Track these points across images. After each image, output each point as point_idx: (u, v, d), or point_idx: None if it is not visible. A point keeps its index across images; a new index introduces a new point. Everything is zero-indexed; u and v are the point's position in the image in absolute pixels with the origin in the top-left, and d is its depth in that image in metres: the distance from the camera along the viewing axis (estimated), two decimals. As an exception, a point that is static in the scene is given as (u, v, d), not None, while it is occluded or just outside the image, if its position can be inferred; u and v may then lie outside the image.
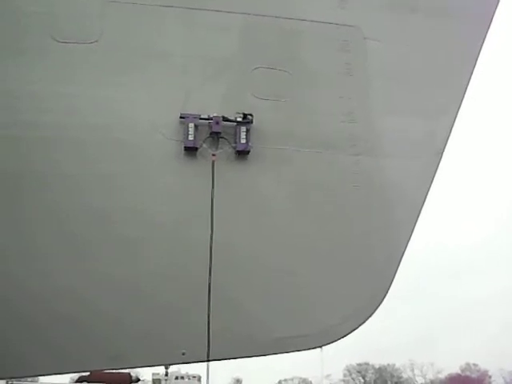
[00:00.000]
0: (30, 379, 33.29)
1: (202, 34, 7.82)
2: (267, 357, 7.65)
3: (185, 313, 7.29)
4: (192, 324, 7.25)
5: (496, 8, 8.47)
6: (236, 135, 7.59)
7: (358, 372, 73.92)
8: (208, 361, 7.28)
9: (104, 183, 7.38)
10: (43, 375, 7.13)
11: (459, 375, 68.33)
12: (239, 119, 7.55)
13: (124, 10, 7.68)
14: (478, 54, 8.37)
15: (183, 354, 7.30)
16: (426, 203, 7.98)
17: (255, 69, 7.86)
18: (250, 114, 7.59)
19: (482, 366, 68.65)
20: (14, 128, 7.30)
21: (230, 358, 7.50)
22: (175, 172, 7.56)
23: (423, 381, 71.34)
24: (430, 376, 70.62)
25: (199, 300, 7.16)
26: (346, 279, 7.71)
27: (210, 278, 7.19)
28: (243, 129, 7.57)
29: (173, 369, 38.92)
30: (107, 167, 7.43)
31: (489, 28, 8.41)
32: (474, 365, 69.98)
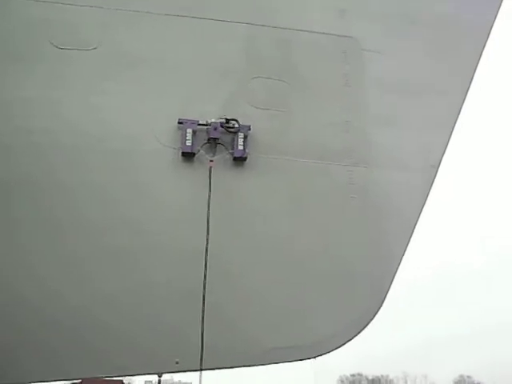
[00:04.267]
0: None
1: (201, 42, 7.87)
2: (261, 367, 7.57)
3: (179, 321, 7.25)
4: (186, 333, 7.20)
5: (494, 20, 8.53)
6: (234, 142, 7.61)
7: (352, 383, 73.79)
8: (201, 370, 7.20)
9: (100, 191, 7.36)
10: (34, 382, 7.04)
11: (452, 387, 68.31)
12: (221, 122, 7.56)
13: (125, 17, 7.70)
14: (476, 65, 8.42)
15: (176, 362, 7.24)
16: (421, 216, 7.97)
17: (254, 78, 7.90)
18: (235, 120, 7.61)
19: (476, 378, 68.72)
20: (7, 135, 7.26)
21: (223, 368, 7.42)
22: (172, 178, 7.55)
23: (416, 393, 71.26)
24: (424, 388, 70.57)
25: (193, 309, 7.12)
26: (340, 290, 7.69)
27: (204, 287, 7.15)
28: (241, 135, 7.59)
29: (166, 377, 38.80)
30: (104, 175, 7.41)
31: (487, 40, 8.47)
32: (468, 377, 70.05)
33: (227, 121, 7.57)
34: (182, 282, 7.31)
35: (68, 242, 7.26)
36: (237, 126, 7.61)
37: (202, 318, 7.10)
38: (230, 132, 7.61)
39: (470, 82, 8.38)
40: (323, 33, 8.12)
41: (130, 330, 7.20)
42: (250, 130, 7.64)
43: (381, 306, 7.79)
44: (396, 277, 7.86)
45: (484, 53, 8.42)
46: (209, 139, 7.60)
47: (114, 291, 7.23)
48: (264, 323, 7.47)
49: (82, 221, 7.30)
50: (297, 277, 7.61)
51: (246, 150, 7.61)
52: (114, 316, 7.19)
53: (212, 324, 7.11)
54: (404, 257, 7.90)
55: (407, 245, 7.92)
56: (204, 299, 7.12)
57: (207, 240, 7.28)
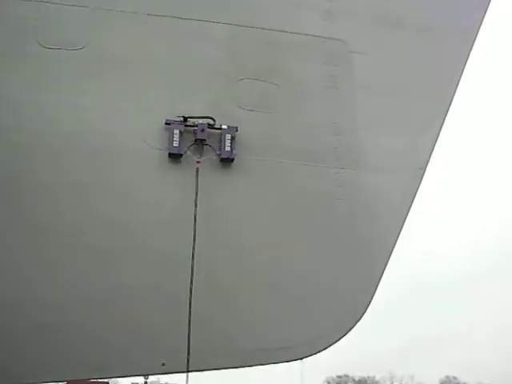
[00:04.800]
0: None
1: (188, 43, 7.82)
2: (247, 369, 7.56)
3: (165, 323, 7.22)
4: (172, 335, 7.18)
5: (481, 23, 8.56)
6: (221, 143, 7.57)
7: (338, 384, 73.95)
8: (188, 372, 7.18)
9: (85, 192, 7.29)
10: (19, 384, 6.98)
11: (438, 388, 68.63)
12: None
13: (111, 17, 7.64)
14: (464, 68, 8.45)
15: (163, 364, 7.21)
16: (408, 217, 7.99)
17: (241, 80, 7.87)
18: (211, 117, 7.58)
19: (462, 379, 69.10)
20: None
21: (209, 370, 7.41)
22: (159, 179, 7.50)
23: (403, 393, 71.52)
24: (410, 388, 70.82)
25: (180, 311, 7.08)
26: (327, 292, 7.68)
27: (190, 290, 7.11)
28: (228, 136, 7.55)
29: (152, 379, 38.60)
30: (90, 175, 7.35)
31: (474, 42, 8.51)
32: (454, 378, 70.46)
33: (185, 119, 7.51)
34: (169, 285, 7.26)
35: (56, 243, 7.19)
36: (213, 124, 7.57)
37: (189, 320, 7.06)
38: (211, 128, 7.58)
39: (458, 84, 8.42)
40: (311, 35, 8.12)
41: (116, 332, 7.16)
42: (237, 131, 7.62)
43: (367, 307, 7.80)
44: (382, 278, 7.89)
45: (471, 55, 8.47)
46: (196, 140, 7.56)
47: (100, 293, 7.18)
48: (251, 325, 7.45)
49: (66, 222, 7.23)
50: (283, 279, 7.59)
51: (234, 152, 7.58)
52: (99, 318, 7.14)
53: (199, 326, 7.06)
54: (390, 259, 7.91)
55: (394, 246, 7.94)
56: (191, 302, 7.08)
57: (194, 241, 7.24)
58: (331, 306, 7.68)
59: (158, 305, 7.25)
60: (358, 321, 7.73)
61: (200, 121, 7.56)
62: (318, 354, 7.69)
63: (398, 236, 7.95)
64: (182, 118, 7.53)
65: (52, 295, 7.08)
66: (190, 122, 7.55)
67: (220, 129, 7.60)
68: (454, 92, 8.38)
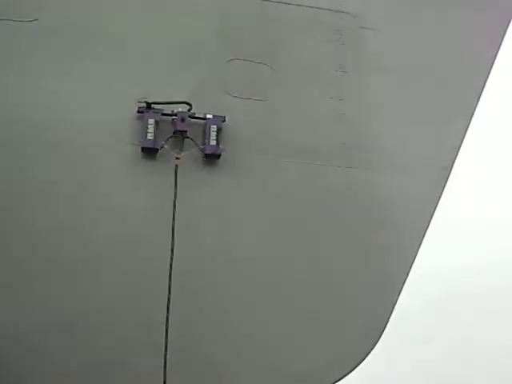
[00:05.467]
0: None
1: (166, 16, 7.14)
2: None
3: (136, 351, 6.38)
4: (145, 364, 6.30)
5: None
6: (205, 135, 6.86)
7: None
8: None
9: (41, 192, 6.55)
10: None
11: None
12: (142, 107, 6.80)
13: None
14: (499, 47, 7.77)
15: None
16: (431, 224, 7.27)
17: (229, 60, 7.25)
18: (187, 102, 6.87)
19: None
20: None
21: None
22: (130, 178, 6.80)
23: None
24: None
25: (154, 332, 6.28)
26: (333, 317, 6.89)
27: (167, 311, 6.29)
28: (213, 128, 6.86)
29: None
30: (45, 172, 6.60)
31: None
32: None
33: (148, 105, 6.78)
34: (143, 300, 6.46)
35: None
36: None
37: (165, 344, 6.24)
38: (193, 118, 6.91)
39: (491, 67, 7.70)
40: (315, 7, 7.50)
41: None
42: (224, 121, 6.92)
43: (381, 333, 7.01)
44: (400, 296, 7.13)
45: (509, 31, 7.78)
46: (175, 132, 6.85)
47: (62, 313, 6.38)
48: (243, 352, 6.61)
49: (20, 225, 6.49)
50: (280, 299, 6.78)
51: (220, 146, 6.88)
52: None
53: (176, 351, 6.23)
54: (410, 272, 7.16)
55: (414, 258, 7.17)
56: (168, 321, 6.26)
57: (172, 251, 6.46)
58: (339, 331, 6.87)
59: (130, 322, 6.45)
60: (369, 352, 6.94)
61: (180, 108, 6.80)
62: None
63: (419, 246, 7.18)
64: (144, 104, 6.77)
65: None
66: (169, 110, 6.80)
67: (204, 119, 6.88)
68: (488, 75, 7.67)
